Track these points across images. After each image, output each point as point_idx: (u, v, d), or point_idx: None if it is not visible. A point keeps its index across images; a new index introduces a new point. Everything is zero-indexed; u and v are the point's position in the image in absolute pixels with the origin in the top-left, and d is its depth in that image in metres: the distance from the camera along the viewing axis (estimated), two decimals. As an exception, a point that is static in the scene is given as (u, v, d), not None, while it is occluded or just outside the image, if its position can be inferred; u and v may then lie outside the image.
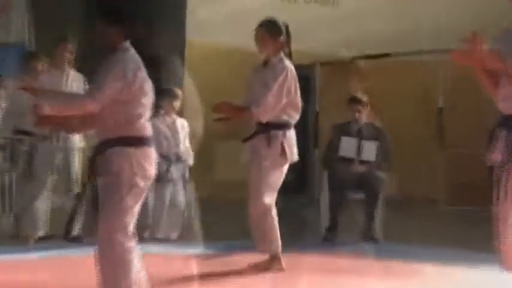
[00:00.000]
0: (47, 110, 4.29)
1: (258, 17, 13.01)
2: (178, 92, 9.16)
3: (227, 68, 12.29)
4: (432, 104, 12.77)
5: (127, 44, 4.56)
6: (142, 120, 4.51)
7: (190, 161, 9.02)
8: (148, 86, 4.53)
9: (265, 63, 6.55)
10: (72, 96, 5.42)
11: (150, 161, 4.52)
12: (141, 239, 8.37)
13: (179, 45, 12.24)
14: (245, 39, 11.66)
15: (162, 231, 8.54)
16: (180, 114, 9.17)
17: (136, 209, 4.45)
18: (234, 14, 13.36)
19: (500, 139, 4.13)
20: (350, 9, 13.71)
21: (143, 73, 4.52)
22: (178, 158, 9.01)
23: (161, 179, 8.33)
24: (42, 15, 12.15)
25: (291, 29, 13.71)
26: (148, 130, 4.56)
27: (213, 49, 12.82)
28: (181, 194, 8.77)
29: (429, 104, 12.69)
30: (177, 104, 8.92)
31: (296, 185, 13.67)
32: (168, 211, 8.63)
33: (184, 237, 8.64)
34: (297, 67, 10.74)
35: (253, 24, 12.96)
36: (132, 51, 4.56)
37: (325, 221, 9.31)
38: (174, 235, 8.64)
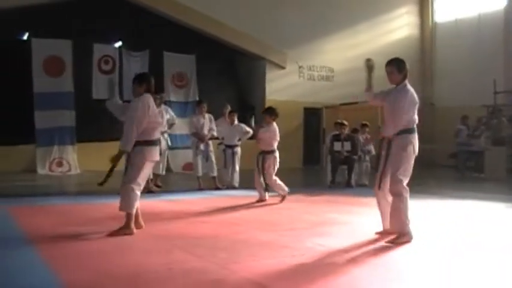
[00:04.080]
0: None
1: (300, 88, 20.20)
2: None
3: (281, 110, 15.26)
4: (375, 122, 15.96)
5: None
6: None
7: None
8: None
9: None
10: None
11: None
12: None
13: (262, 99, 19.67)
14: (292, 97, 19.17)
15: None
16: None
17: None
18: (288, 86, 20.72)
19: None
20: (338, 83, 21.07)
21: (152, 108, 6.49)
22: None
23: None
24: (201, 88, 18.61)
25: (311, 92, 20.83)
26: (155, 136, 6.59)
27: (274, 101, 18.11)
28: None
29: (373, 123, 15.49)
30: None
31: (315, 160, 20.61)
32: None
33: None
34: (314, 109, 18.45)
35: (294, 90, 20.24)
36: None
37: (328, 178, 13.27)
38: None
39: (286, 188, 9.89)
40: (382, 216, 6.43)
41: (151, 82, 6.75)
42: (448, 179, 15.80)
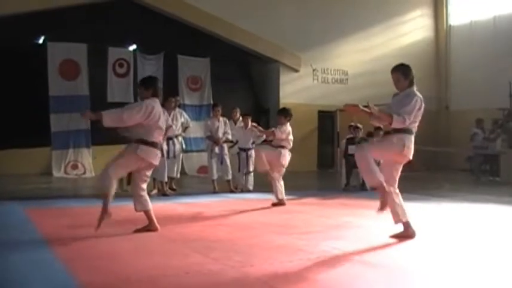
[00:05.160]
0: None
1: (314, 91, 20.33)
2: None
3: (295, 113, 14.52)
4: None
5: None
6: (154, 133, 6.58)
7: None
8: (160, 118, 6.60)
9: None
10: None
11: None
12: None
13: (276, 102, 19.47)
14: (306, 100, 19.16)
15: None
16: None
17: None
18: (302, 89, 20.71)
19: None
20: (352, 86, 21.03)
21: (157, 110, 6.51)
22: None
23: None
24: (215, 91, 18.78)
25: (325, 95, 20.79)
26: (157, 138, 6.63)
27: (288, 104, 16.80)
28: None
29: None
30: None
31: (329, 163, 20.54)
32: None
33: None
34: (328, 112, 18.42)
35: (308, 93, 20.26)
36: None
37: (343, 181, 13.36)
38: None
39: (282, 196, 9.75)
40: (394, 210, 6.33)
41: (158, 86, 6.79)
42: (463, 183, 15.70)
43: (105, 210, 6.39)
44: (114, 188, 6.47)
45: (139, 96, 6.84)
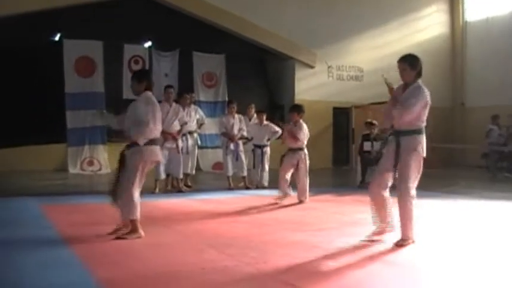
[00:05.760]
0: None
1: (329, 88, 20.20)
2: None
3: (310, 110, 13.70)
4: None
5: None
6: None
7: None
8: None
9: None
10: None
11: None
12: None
13: (291, 99, 19.37)
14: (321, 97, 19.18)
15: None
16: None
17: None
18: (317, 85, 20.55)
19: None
20: (367, 83, 20.49)
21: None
22: None
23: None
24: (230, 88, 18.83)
25: (340, 92, 20.63)
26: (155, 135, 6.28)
27: (303, 100, 17.48)
28: None
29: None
30: None
31: (345, 160, 20.53)
32: None
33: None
34: (343, 109, 18.43)
35: (323, 90, 20.13)
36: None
37: (358, 178, 13.28)
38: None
39: (307, 196, 9.80)
40: (378, 213, 6.15)
41: (151, 79, 6.70)
42: (479, 180, 15.57)
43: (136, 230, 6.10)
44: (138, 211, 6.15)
45: (132, 90, 6.62)
